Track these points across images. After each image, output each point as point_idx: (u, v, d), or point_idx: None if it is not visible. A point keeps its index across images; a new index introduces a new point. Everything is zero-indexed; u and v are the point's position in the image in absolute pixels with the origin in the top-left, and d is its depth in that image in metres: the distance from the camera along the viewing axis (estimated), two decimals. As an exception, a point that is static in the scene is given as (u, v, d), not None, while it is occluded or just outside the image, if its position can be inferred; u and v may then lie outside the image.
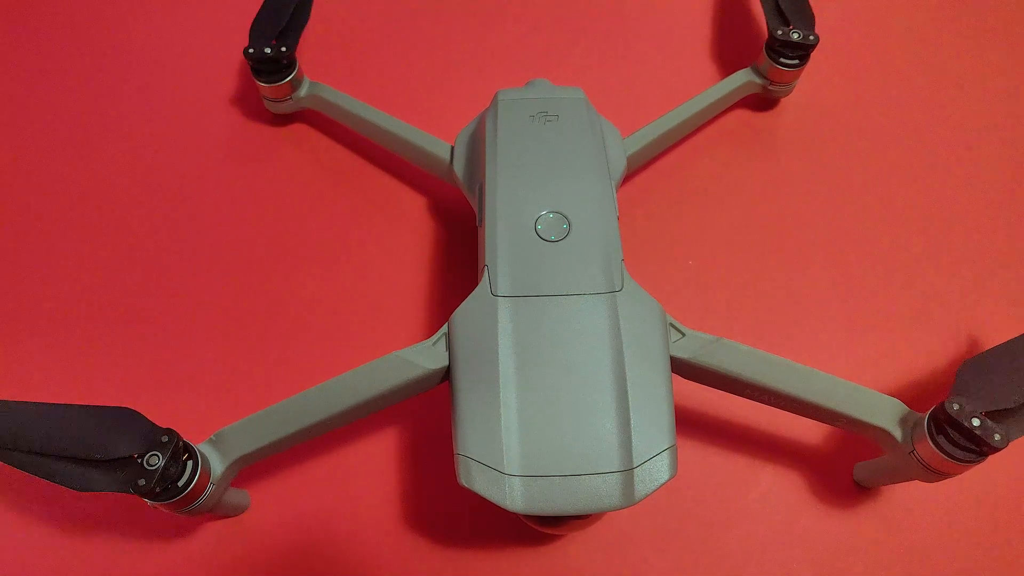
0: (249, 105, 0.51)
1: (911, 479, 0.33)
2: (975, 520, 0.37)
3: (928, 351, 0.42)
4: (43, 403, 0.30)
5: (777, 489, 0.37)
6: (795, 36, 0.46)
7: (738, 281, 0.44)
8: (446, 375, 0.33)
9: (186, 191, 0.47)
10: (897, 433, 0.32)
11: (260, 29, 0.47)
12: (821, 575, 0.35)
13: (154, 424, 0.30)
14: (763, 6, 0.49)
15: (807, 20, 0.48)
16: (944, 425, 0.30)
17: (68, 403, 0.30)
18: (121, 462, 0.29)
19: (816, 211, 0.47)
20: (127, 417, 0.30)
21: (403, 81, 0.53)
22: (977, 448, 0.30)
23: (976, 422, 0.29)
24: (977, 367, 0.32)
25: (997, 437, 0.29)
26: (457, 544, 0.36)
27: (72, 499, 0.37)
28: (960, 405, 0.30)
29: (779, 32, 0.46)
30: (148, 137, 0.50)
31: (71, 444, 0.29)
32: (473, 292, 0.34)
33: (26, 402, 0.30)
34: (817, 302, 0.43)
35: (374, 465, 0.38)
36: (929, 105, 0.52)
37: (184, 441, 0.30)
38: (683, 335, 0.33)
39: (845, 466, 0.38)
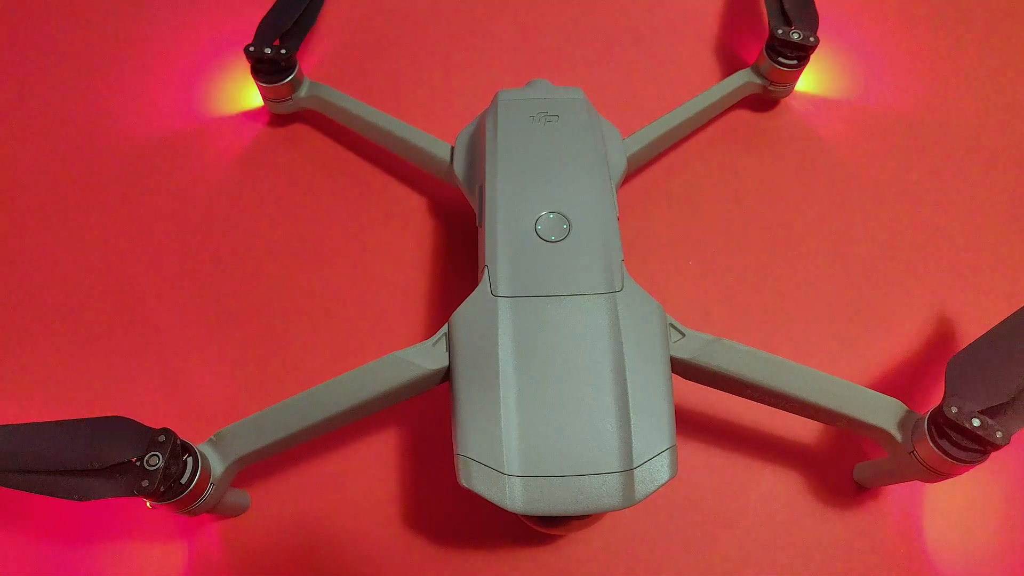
0: (249, 105, 0.51)
1: (911, 479, 0.33)
2: (976, 520, 0.37)
3: (928, 351, 0.42)
4: (34, 423, 0.30)
5: (777, 489, 0.37)
6: (795, 37, 0.46)
7: (738, 281, 0.44)
8: (446, 375, 0.33)
9: (185, 191, 0.47)
10: (897, 434, 0.32)
11: (266, 29, 0.47)
12: (821, 575, 0.35)
13: (148, 426, 0.30)
14: (766, 5, 0.49)
15: (810, 21, 0.48)
16: (945, 428, 0.30)
17: (59, 420, 0.30)
18: (121, 467, 0.29)
19: (816, 211, 0.47)
20: (120, 424, 0.30)
21: (403, 81, 0.53)
22: (980, 448, 0.30)
23: (976, 422, 0.29)
24: (965, 363, 0.32)
25: (999, 434, 0.29)
26: (457, 544, 0.36)
27: (71, 503, 0.37)
28: (958, 407, 0.30)
29: (779, 32, 0.46)
30: (147, 136, 0.50)
31: (68, 458, 0.29)
32: (473, 292, 0.34)
33: (17, 424, 0.30)
34: (817, 302, 0.43)
35: (374, 465, 0.38)
36: (929, 105, 0.52)
37: (182, 440, 0.30)
38: (683, 335, 0.33)
39: (845, 466, 0.38)
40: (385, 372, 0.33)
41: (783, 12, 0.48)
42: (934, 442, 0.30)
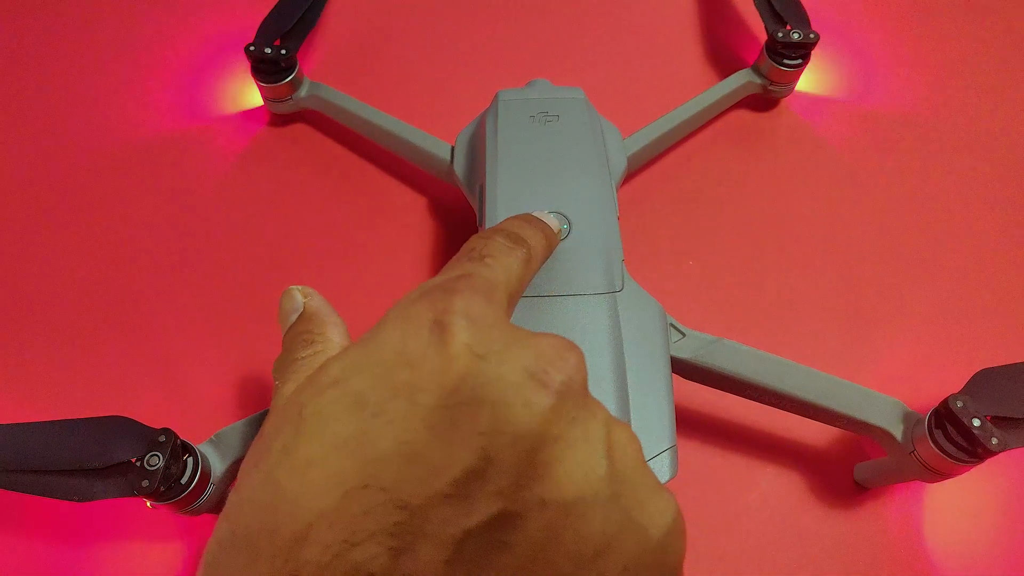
0: (249, 105, 0.51)
1: (912, 479, 0.33)
2: (977, 520, 0.37)
3: (930, 351, 0.42)
4: (33, 422, 0.30)
5: (777, 489, 0.37)
6: (796, 36, 0.46)
7: (738, 281, 0.44)
8: (446, 375, 0.33)
9: (185, 191, 0.47)
10: (898, 433, 0.32)
11: (267, 29, 0.47)
12: (821, 575, 0.35)
13: (148, 426, 0.30)
14: (757, 8, 0.49)
15: (801, 18, 0.48)
16: (944, 420, 0.30)
17: (57, 420, 0.30)
18: (121, 467, 0.29)
19: (816, 211, 0.47)
20: (120, 424, 0.30)
21: (403, 81, 0.53)
22: (971, 448, 0.30)
23: (976, 423, 0.29)
24: (994, 376, 0.32)
25: (995, 441, 0.29)
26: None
27: (70, 503, 0.37)
28: (964, 403, 0.30)
29: (779, 35, 0.46)
30: (147, 136, 0.50)
31: (67, 458, 0.29)
32: (473, 292, 0.33)
33: (16, 424, 0.30)
34: (817, 302, 0.43)
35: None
36: (931, 104, 0.52)
37: (182, 440, 0.30)
38: (683, 335, 0.33)
39: (845, 466, 0.38)
40: (385, 372, 0.32)
41: (774, 12, 0.48)
42: (931, 433, 0.30)
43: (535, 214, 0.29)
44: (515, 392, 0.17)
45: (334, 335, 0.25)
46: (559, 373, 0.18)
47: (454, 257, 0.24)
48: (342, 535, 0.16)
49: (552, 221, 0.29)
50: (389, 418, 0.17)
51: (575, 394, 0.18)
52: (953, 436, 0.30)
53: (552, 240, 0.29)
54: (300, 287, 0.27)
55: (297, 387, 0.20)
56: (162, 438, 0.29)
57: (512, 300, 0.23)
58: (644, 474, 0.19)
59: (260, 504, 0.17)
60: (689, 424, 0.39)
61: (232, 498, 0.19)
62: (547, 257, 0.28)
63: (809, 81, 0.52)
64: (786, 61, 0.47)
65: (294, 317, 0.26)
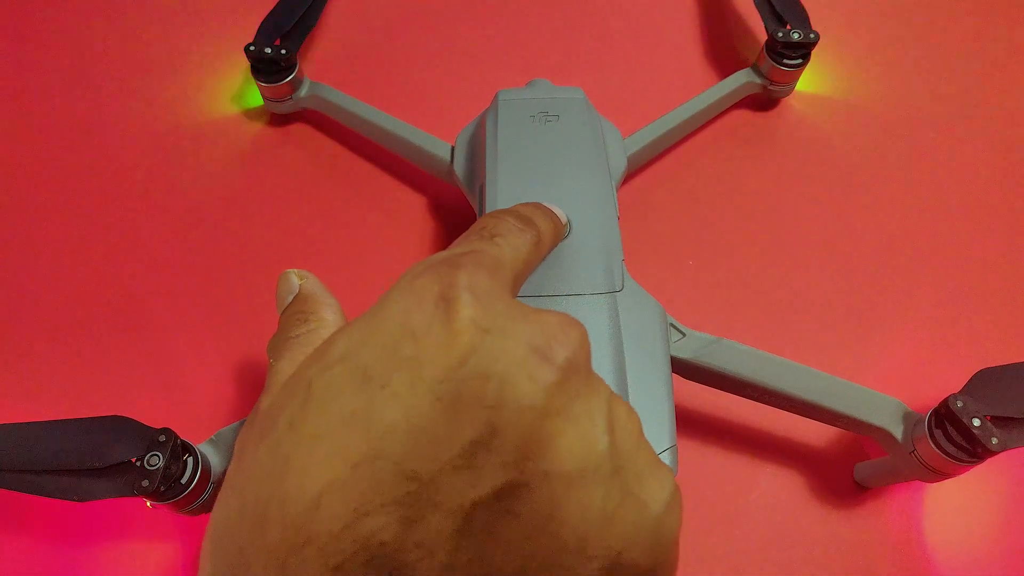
0: (249, 105, 0.51)
1: (912, 479, 0.33)
2: (977, 520, 0.37)
3: (930, 351, 0.42)
4: (33, 422, 0.30)
5: (777, 489, 0.37)
6: (796, 36, 0.46)
7: (738, 281, 0.44)
8: (446, 375, 0.33)
9: (185, 191, 0.47)
10: (898, 433, 0.32)
11: (267, 28, 0.47)
12: (821, 575, 0.35)
13: (148, 426, 0.30)
14: (757, 8, 0.49)
15: (801, 17, 0.48)
16: (944, 420, 0.30)
17: (57, 419, 0.30)
18: (121, 467, 0.29)
19: (817, 211, 0.47)
20: (120, 424, 0.30)
21: (403, 81, 0.53)
22: (971, 448, 0.30)
23: (976, 422, 0.29)
24: (994, 376, 0.32)
25: (994, 441, 0.29)
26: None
27: (70, 503, 0.37)
28: (964, 403, 0.30)
29: (779, 34, 0.46)
30: (146, 136, 0.50)
31: (67, 458, 0.29)
32: (473, 292, 0.33)
33: (16, 424, 0.30)
34: (817, 302, 0.43)
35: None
36: (932, 104, 0.52)
37: (182, 440, 0.30)
38: (683, 335, 0.34)
39: (845, 466, 0.38)
40: (385, 372, 0.32)
41: (774, 12, 0.48)
42: (931, 434, 0.30)
43: (544, 204, 0.30)
44: (520, 367, 0.17)
45: (328, 314, 0.25)
46: (563, 349, 0.18)
47: (465, 233, 0.24)
48: (352, 505, 0.16)
49: (560, 212, 0.30)
50: (394, 391, 0.17)
51: (578, 370, 0.18)
52: (953, 436, 0.30)
53: (559, 230, 0.29)
54: (296, 270, 0.28)
55: (304, 361, 0.20)
56: (162, 438, 0.29)
57: (518, 280, 0.23)
58: (643, 449, 0.19)
59: (267, 476, 0.17)
60: (689, 424, 0.39)
61: (236, 472, 0.19)
62: (554, 246, 0.29)
63: (809, 81, 0.52)
64: (786, 61, 0.47)
65: (290, 298, 0.26)
